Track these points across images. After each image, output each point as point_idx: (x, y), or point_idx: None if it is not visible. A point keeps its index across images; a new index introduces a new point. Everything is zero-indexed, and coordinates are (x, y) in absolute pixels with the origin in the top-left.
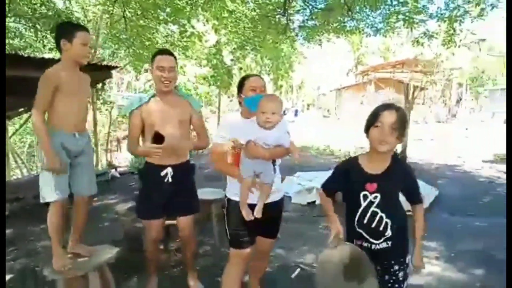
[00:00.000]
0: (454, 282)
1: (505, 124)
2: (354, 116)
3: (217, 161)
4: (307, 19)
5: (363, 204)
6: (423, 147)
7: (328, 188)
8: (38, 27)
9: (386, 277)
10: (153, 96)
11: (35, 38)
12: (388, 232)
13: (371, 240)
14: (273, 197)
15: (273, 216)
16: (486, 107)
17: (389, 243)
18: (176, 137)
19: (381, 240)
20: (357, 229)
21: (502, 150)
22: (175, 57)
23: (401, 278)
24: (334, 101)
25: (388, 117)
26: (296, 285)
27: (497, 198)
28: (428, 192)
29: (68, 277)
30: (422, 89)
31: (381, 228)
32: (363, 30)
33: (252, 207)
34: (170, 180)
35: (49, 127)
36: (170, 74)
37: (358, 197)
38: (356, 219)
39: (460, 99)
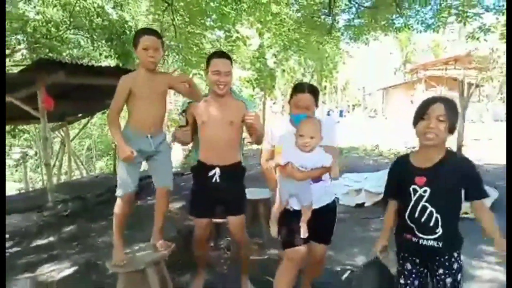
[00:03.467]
0: None
1: None
2: (403, 115)
3: (264, 166)
4: (353, 18)
5: (413, 198)
6: (481, 147)
7: (387, 194)
8: (95, 37)
9: (435, 280)
10: (206, 95)
11: (92, 48)
12: (439, 230)
13: (419, 234)
14: (323, 201)
15: (324, 220)
16: None
17: (440, 244)
18: (224, 138)
19: (431, 237)
20: (409, 223)
21: None
22: (231, 60)
23: (448, 285)
24: (381, 100)
25: (435, 110)
26: (346, 287)
27: None
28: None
29: (128, 271)
30: (477, 86)
31: (431, 224)
32: (412, 26)
33: (293, 213)
34: (217, 180)
35: (127, 129)
36: (226, 78)
37: (408, 191)
38: (407, 213)
39: None
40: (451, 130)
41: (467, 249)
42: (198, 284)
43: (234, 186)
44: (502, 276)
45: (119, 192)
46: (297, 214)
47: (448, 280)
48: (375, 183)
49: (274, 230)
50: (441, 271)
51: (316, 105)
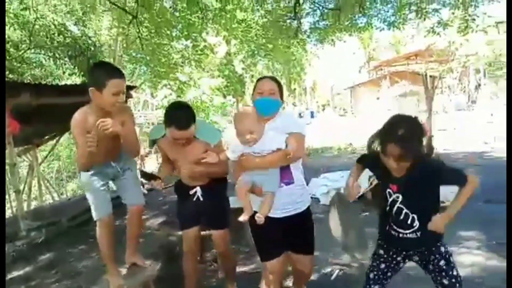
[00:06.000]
0: (500, 271)
1: None
2: (371, 112)
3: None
4: (318, 20)
5: (389, 199)
6: (448, 136)
7: (361, 161)
8: (57, 55)
9: (430, 267)
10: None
11: (55, 66)
12: (416, 223)
13: (398, 229)
14: (296, 207)
15: (300, 228)
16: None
17: (418, 233)
18: (193, 177)
19: (409, 231)
20: (387, 218)
21: None
22: (193, 115)
23: (444, 267)
24: (349, 99)
25: (393, 150)
26: (336, 287)
27: None
28: None
29: None
30: (439, 78)
31: (408, 221)
32: (375, 25)
33: (273, 220)
34: (200, 198)
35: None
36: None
37: (385, 192)
38: (387, 209)
39: (479, 85)
40: (417, 155)
41: (446, 236)
42: None
43: (216, 201)
44: (482, 259)
45: (94, 216)
46: (273, 223)
47: (442, 262)
48: None
49: (244, 216)
50: (432, 257)
51: (281, 96)
